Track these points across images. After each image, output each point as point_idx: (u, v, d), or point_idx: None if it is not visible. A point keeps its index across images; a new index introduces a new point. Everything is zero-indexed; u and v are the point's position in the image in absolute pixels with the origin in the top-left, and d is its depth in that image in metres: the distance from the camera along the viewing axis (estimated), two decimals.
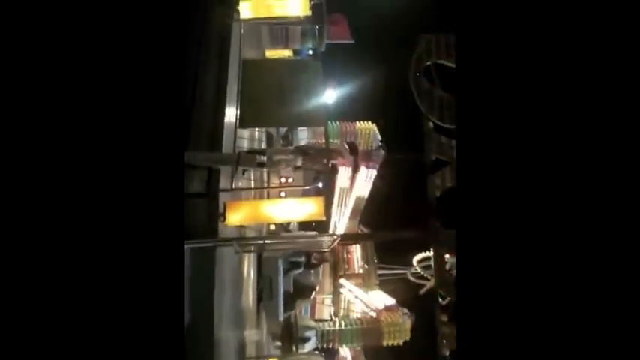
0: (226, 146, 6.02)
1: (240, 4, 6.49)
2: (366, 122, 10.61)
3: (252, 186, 8.08)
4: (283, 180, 8.52)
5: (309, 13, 6.44)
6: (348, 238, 11.32)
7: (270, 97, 6.14)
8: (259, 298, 8.89)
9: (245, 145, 6.91)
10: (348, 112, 12.03)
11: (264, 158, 5.51)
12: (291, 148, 7.13)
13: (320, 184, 7.49)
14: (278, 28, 8.56)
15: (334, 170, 10.61)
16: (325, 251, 8.73)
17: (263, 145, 8.47)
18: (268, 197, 7.99)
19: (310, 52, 11.01)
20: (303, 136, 10.21)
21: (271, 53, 9.98)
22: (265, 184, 8.96)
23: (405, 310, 10.34)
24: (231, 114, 6.20)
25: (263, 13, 6.46)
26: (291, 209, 5.33)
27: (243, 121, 6.08)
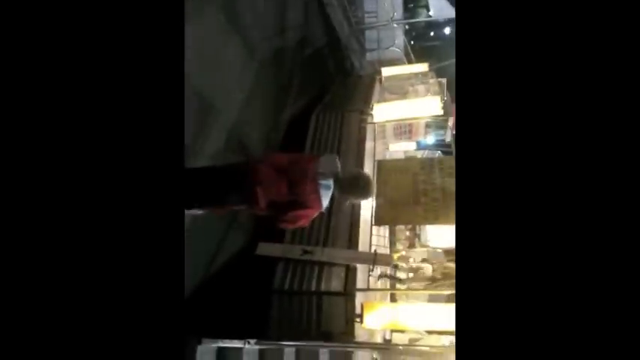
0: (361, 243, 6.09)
1: (375, 107, 6.85)
2: None
3: (378, 282, 7.91)
4: (411, 274, 8.24)
5: (442, 111, 6.52)
6: None
7: (406, 195, 6.18)
8: None
9: (375, 241, 6.92)
10: None
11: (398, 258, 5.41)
12: (425, 250, 6.95)
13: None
14: (403, 123, 8.85)
15: None
16: None
17: (386, 241, 8.39)
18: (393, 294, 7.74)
19: (432, 143, 11.13)
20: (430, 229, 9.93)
21: (395, 145, 10.25)
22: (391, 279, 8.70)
23: None
24: (365, 212, 6.33)
25: (398, 116, 6.71)
26: (437, 316, 4.95)
27: (379, 220, 6.15)
